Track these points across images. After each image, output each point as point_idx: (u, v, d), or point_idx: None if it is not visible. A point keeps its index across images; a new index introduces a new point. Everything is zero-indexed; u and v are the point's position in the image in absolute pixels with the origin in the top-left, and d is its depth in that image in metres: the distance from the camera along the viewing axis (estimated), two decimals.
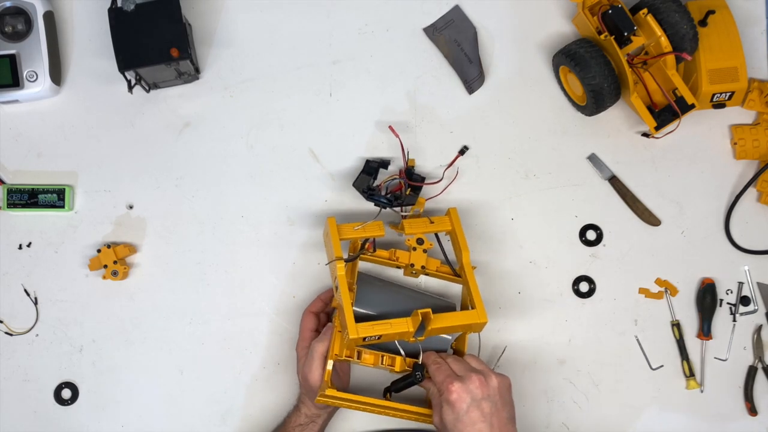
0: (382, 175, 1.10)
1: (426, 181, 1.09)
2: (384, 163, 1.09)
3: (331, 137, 1.14)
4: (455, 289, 1.10)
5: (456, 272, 1.05)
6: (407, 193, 1.07)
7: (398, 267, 1.06)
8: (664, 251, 1.12)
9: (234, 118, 1.14)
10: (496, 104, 1.14)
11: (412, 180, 1.08)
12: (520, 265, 1.12)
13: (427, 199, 1.09)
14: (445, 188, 1.11)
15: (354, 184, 1.07)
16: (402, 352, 1.00)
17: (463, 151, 1.12)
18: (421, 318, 0.94)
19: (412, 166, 1.10)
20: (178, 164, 1.14)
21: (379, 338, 0.95)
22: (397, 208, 1.07)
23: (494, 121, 1.14)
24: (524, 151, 1.14)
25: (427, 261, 1.04)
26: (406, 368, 1.00)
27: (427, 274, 1.06)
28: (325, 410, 1.01)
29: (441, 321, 0.96)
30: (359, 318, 0.99)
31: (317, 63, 1.15)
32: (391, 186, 1.09)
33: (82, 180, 1.13)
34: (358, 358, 0.99)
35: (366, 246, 1.04)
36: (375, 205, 1.07)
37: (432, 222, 1.02)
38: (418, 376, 0.96)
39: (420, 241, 1.04)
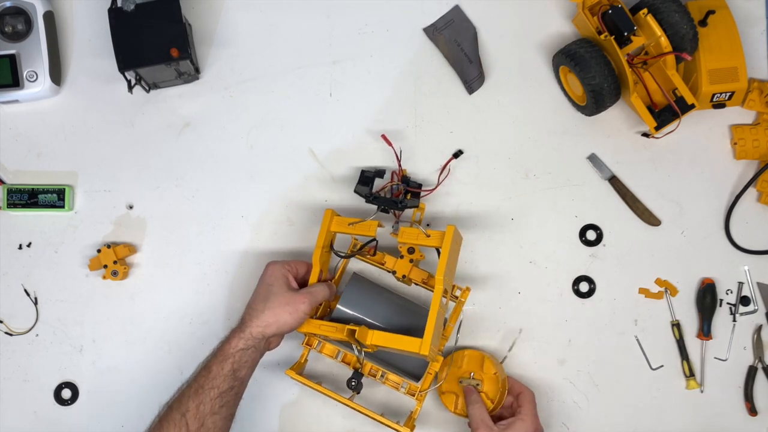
0: (379, 182, 1.10)
1: (422, 188, 1.09)
2: (379, 172, 1.09)
3: (331, 137, 1.14)
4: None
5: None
6: (408, 197, 1.07)
7: (387, 271, 1.06)
8: (664, 251, 1.12)
9: (234, 118, 1.15)
10: (496, 104, 1.14)
11: (410, 186, 1.08)
12: (520, 265, 1.12)
13: (422, 196, 1.09)
14: (436, 187, 1.11)
15: (355, 190, 1.08)
16: (356, 353, 0.99)
17: (457, 155, 1.12)
18: (354, 331, 0.95)
19: (405, 176, 1.10)
20: (178, 164, 1.14)
21: (324, 338, 1.00)
22: (396, 213, 1.08)
23: (494, 121, 1.14)
24: (524, 151, 1.14)
25: (412, 271, 1.03)
26: (357, 367, 1.01)
27: (412, 284, 1.06)
28: (267, 337, 0.98)
29: (379, 339, 0.95)
30: (341, 316, 1.01)
31: (317, 63, 1.15)
32: (393, 192, 1.09)
33: (82, 180, 1.13)
34: (320, 347, 1.03)
35: (366, 249, 1.04)
36: (378, 209, 1.06)
37: (428, 235, 1.00)
38: (352, 384, 0.99)
39: (411, 251, 1.03)
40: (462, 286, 1.04)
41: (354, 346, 0.98)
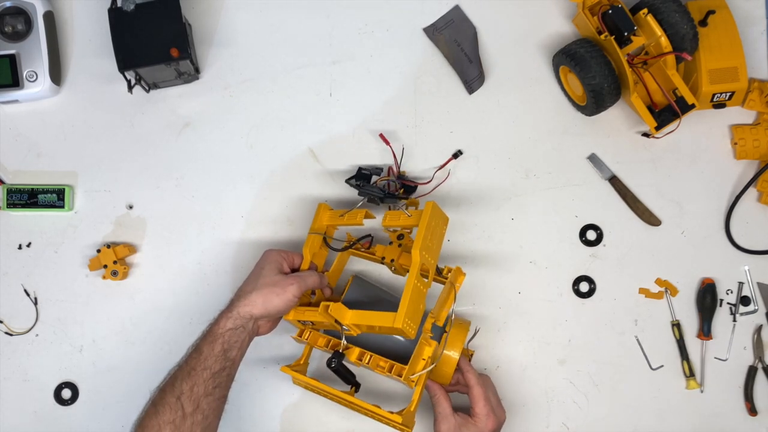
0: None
1: (418, 182, 1.09)
2: (377, 171, 1.10)
3: (331, 137, 1.14)
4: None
5: (441, 273, 1.02)
6: (401, 192, 1.07)
7: (378, 262, 1.05)
8: (664, 251, 1.12)
9: (234, 118, 1.15)
10: (496, 104, 1.14)
11: (405, 184, 1.08)
12: (520, 265, 1.12)
13: (418, 197, 1.09)
14: (435, 187, 1.11)
15: (347, 180, 1.08)
16: (344, 340, 0.99)
17: (456, 155, 1.12)
18: (328, 308, 0.94)
19: (403, 174, 1.10)
20: (178, 164, 1.14)
21: (312, 324, 1.01)
22: (388, 203, 1.07)
23: (494, 121, 1.14)
24: (524, 151, 1.14)
25: (401, 256, 1.02)
26: (344, 347, 1.00)
27: (406, 273, 1.05)
28: (255, 318, 0.97)
29: (355, 317, 0.95)
30: None
31: (317, 63, 1.15)
32: (389, 187, 1.09)
33: (82, 180, 1.13)
34: (307, 337, 1.02)
35: (362, 243, 1.04)
36: (368, 200, 1.06)
37: (410, 215, 0.99)
38: (332, 363, 0.98)
39: (400, 237, 1.03)
40: (452, 266, 1.01)
41: (341, 331, 0.98)
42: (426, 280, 0.95)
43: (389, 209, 1.08)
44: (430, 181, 1.11)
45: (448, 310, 0.99)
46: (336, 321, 0.95)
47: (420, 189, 1.11)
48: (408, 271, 1.03)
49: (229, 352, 0.95)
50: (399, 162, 1.11)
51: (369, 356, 0.98)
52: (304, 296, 1.02)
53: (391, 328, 0.92)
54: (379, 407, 0.98)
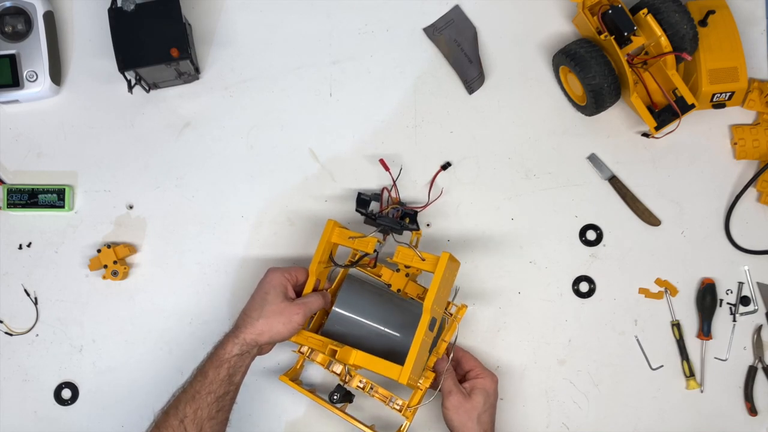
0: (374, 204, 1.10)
1: (416, 207, 1.09)
2: (376, 196, 1.09)
3: (331, 137, 1.14)
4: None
5: (446, 309, 1.02)
6: (406, 220, 1.06)
7: (385, 283, 1.04)
8: (664, 251, 1.12)
9: (234, 118, 1.15)
10: (496, 104, 1.14)
11: (406, 211, 1.07)
12: (520, 265, 1.12)
13: (416, 208, 1.09)
14: (428, 204, 1.10)
15: (357, 210, 1.07)
16: (346, 369, 0.99)
17: (445, 167, 1.12)
18: (335, 351, 0.95)
19: (400, 201, 1.10)
20: (178, 164, 1.14)
21: (311, 351, 1.01)
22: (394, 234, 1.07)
23: (494, 121, 1.14)
24: (524, 151, 1.14)
25: (407, 285, 1.02)
26: (346, 380, 0.99)
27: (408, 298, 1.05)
28: (260, 345, 0.98)
29: (360, 360, 0.95)
30: (338, 318, 1.01)
31: (317, 63, 1.15)
32: (392, 215, 1.08)
33: (82, 180, 1.13)
34: (313, 355, 1.02)
35: (367, 261, 1.03)
36: (380, 230, 1.05)
37: (423, 259, 0.97)
38: (334, 398, 0.99)
39: (408, 265, 1.01)
40: (458, 303, 1.03)
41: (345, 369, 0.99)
42: (432, 329, 0.96)
43: (381, 229, 1.07)
44: (428, 204, 1.10)
45: (449, 340, 1.02)
46: (338, 361, 0.96)
47: (419, 199, 1.11)
48: (411, 298, 1.04)
49: (233, 377, 0.96)
50: (397, 189, 1.10)
51: (370, 386, 0.99)
52: None
53: (396, 381, 0.93)
54: (373, 427, 1.01)
